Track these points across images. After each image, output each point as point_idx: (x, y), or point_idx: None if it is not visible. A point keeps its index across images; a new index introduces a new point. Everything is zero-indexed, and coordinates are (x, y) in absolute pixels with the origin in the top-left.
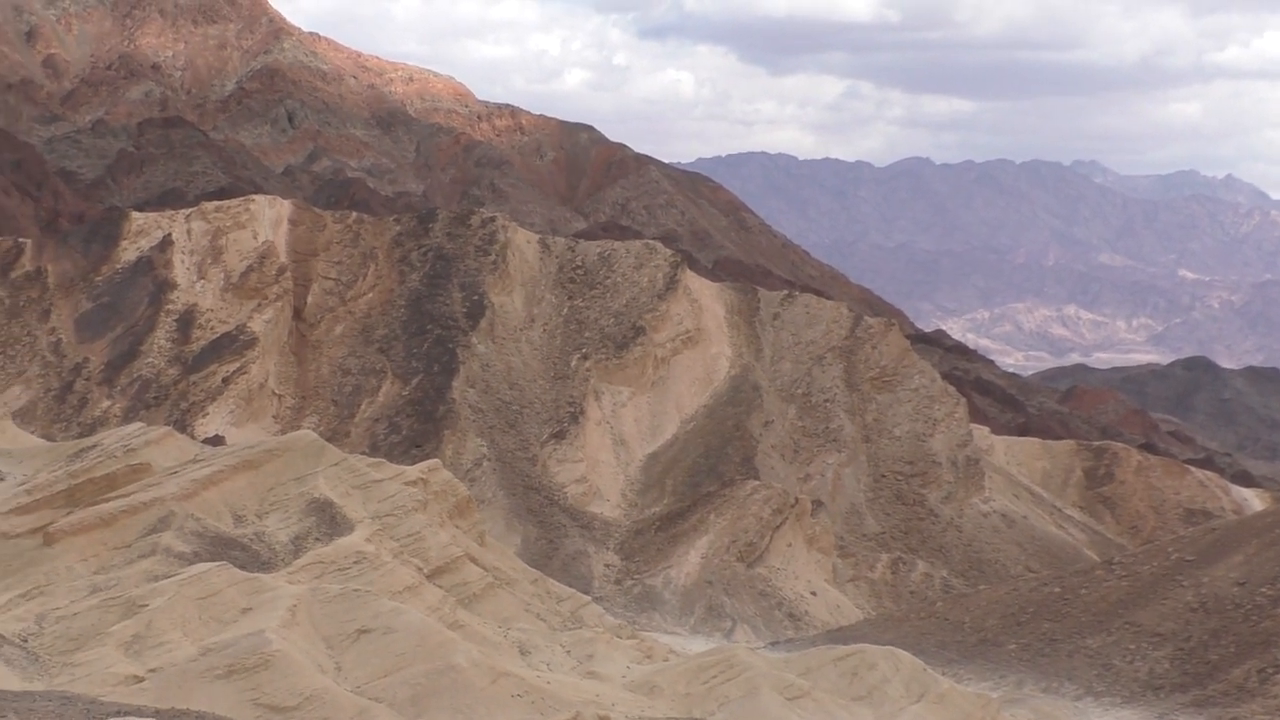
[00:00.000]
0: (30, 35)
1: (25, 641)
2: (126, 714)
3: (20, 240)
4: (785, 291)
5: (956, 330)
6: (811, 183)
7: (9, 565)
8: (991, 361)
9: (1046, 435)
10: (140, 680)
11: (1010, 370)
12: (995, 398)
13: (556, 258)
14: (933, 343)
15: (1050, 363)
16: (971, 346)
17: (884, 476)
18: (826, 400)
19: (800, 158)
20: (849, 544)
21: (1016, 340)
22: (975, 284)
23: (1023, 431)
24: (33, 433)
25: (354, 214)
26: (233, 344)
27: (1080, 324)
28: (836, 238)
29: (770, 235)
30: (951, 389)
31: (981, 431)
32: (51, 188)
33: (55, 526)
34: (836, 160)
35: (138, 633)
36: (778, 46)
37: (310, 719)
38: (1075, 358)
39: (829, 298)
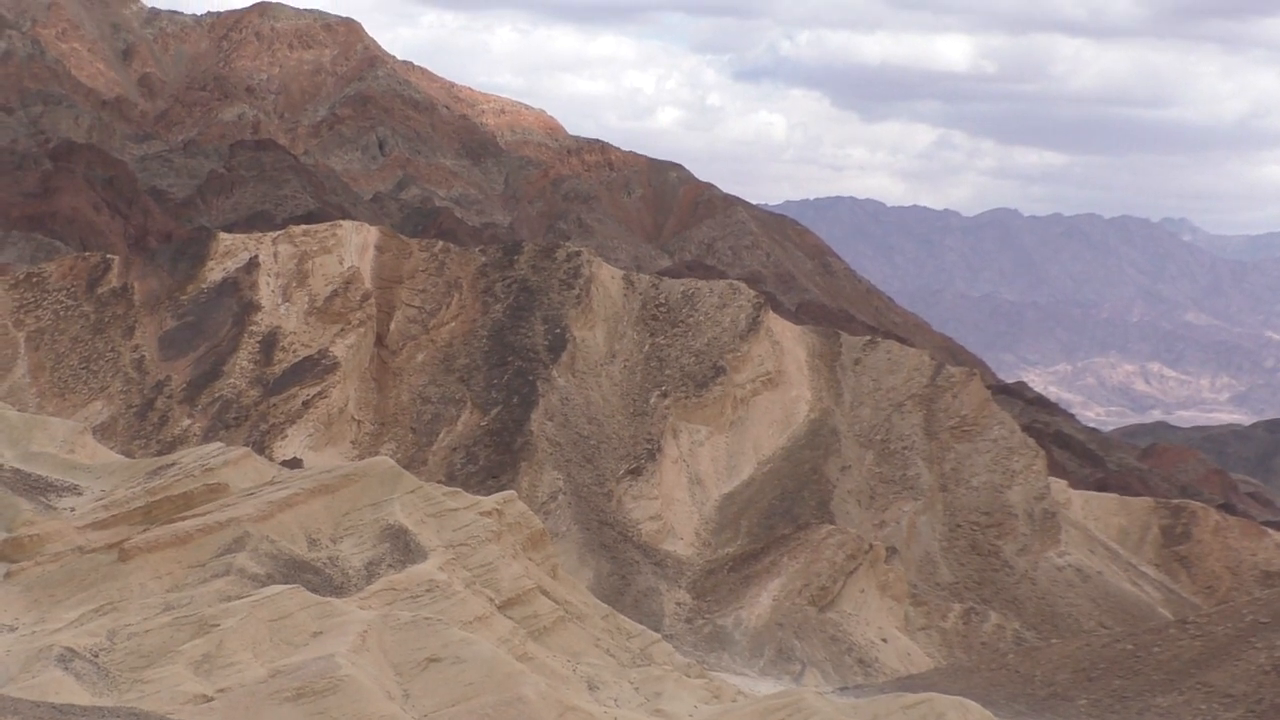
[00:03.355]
0: (127, 54)
1: (96, 657)
2: None
3: (108, 256)
4: (868, 337)
5: (1038, 383)
6: (899, 229)
7: (84, 580)
8: (1072, 415)
9: (1125, 491)
10: (209, 700)
11: (1091, 425)
12: (1075, 452)
13: (640, 294)
14: (1014, 394)
15: (1132, 419)
16: (1053, 399)
17: (960, 526)
18: (905, 447)
19: (888, 204)
20: (922, 592)
21: (1098, 395)
22: (1059, 337)
23: (1101, 487)
24: (112, 448)
25: (440, 243)
26: (314, 368)
27: (1163, 381)
28: (921, 285)
29: (855, 280)
30: (1031, 441)
31: (1059, 485)
32: (141, 206)
33: (131, 543)
34: (924, 208)
35: (208, 652)
36: (871, 93)
37: None
38: (1157, 415)
39: (911, 345)
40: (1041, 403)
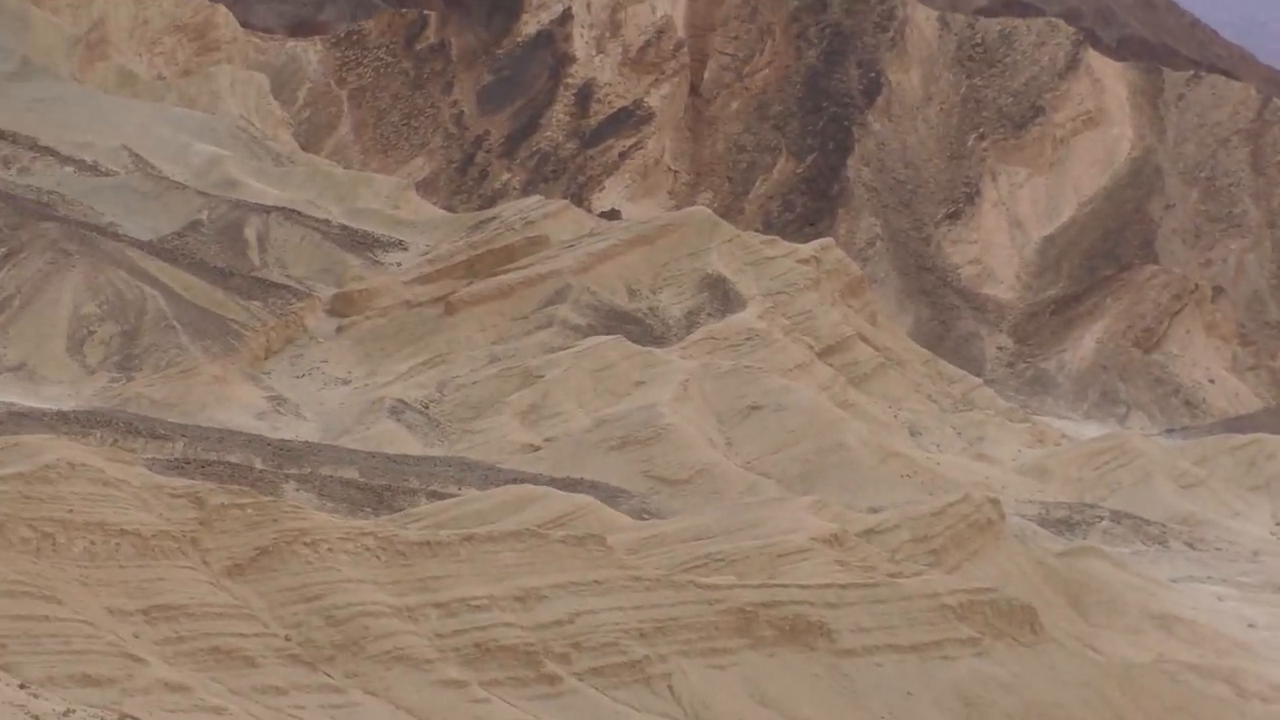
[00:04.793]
0: None
1: (427, 408)
2: (523, 481)
3: (425, 12)
4: (1191, 72)
5: None
6: None
7: (412, 333)
8: None
9: None
10: (536, 449)
11: None
12: None
13: (956, 35)
14: None
15: None
16: None
17: None
18: (1231, 184)
19: None
20: (1250, 331)
21: None
22: None
23: None
24: (435, 203)
25: None
26: (630, 119)
27: None
28: (1247, 16)
29: (1177, 13)
30: None
31: None
32: None
33: (456, 296)
34: None
35: (534, 402)
36: None
37: (701, 492)
38: None
39: (1237, 79)
40: None
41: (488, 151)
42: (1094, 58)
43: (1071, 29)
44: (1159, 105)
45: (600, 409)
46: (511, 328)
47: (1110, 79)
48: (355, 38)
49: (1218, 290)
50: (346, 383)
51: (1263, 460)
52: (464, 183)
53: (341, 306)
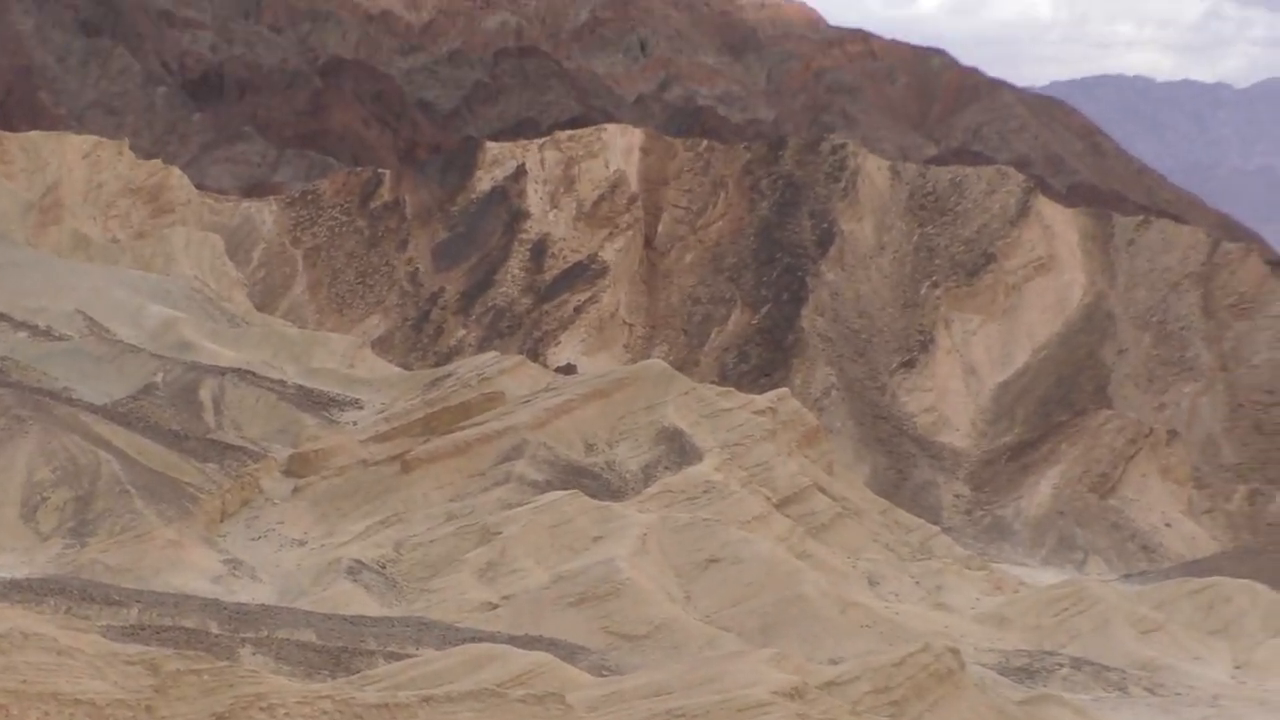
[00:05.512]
0: None
1: (384, 568)
2: (481, 640)
3: (379, 171)
4: (1141, 217)
5: None
6: (1168, 105)
7: (369, 492)
8: None
9: None
10: (494, 607)
11: None
12: None
13: (907, 184)
14: None
15: None
16: None
17: (1242, 406)
18: (1182, 328)
19: (1158, 79)
20: (1205, 475)
21: None
22: None
23: None
24: (390, 361)
25: (705, 142)
26: (584, 273)
27: None
28: (1194, 161)
29: (1125, 160)
30: None
31: None
32: (410, 118)
33: (412, 454)
34: (1194, 82)
35: (492, 560)
36: None
37: (660, 647)
38: None
39: (1186, 223)
40: None
41: (443, 308)
42: (1044, 204)
43: (1022, 176)
44: (1110, 250)
45: (558, 565)
46: (468, 485)
47: (1061, 225)
48: (310, 197)
49: (1172, 434)
50: (303, 544)
51: (1221, 604)
52: (419, 340)
53: (298, 467)
